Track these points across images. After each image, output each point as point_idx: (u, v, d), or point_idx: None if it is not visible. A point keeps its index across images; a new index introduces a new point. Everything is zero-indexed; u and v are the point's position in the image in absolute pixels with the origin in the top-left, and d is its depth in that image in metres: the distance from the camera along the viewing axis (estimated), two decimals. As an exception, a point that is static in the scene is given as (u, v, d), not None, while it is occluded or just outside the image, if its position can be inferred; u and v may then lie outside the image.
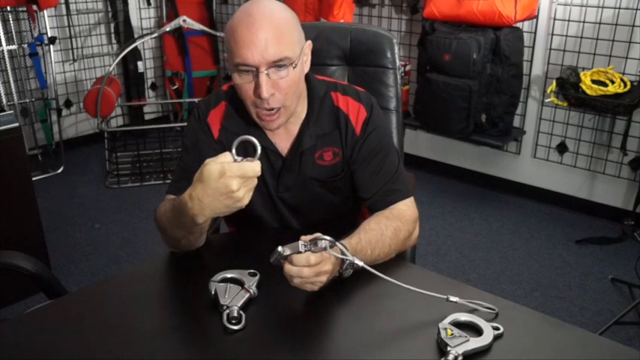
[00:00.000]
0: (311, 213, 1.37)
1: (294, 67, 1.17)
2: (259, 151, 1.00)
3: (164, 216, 1.20)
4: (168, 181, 3.82)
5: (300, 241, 1.03)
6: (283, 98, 1.18)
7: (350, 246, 1.09)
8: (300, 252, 1.02)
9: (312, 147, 1.30)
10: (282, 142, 1.31)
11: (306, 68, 1.25)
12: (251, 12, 1.14)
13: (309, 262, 1.02)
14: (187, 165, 1.30)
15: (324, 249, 1.02)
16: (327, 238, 1.02)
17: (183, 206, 1.06)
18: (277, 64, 1.14)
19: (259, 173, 0.99)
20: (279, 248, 1.03)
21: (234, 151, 0.99)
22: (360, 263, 1.03)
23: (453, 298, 1.01)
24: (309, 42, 1.24)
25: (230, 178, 0.97)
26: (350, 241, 1.12)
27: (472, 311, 1.02)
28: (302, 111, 1.29)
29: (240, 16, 1.15)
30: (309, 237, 1.04)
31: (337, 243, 1.03)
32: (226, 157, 0.99)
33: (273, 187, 1.34)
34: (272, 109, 1.19)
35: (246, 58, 1.13)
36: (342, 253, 1.04)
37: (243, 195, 0.99)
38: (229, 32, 1.16)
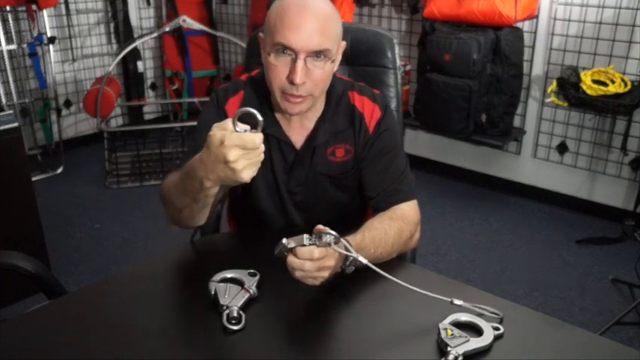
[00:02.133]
0: (318, 210, 1.37)
1: (331, 62, 1.20)
2: (261, 122, 0.98)
3: (172, 184, 1.20)
4: (168, 181, 3.72)
5: (304, 235, 1.02)
6: (312, 88, 1.20)
7: (354, 243, 1.09)
8: (304, 245, 1.01)
9: (325, 142, 1.32)
10: (296, 136, 1.32)
11: (336, 67, 1.26)
12: None
13: (312, 256, 1.01)
14: (199, 145, 1.30)
15: (329, 244, 1.01)
16: (332, 232, 1.01)
17: (192, 168, 1.07)
18: (316, 55, 1.16)
19: (259, 146, 0.98)
20: (284, 240, 1.02)
21: (236, 122, 0.98)
22: (364, 261, 1.03)
23: (457, 301, 1.00)
24: (344, 43, 1.26)
25: (228, 148, 0.96)
26: (354, 238, 1.11)
27: (479, 315, 1.01)
28: (320, 106, 1.31)
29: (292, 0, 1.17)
30: (317, 228, 1.03)
31: (342, 239, 1.03)
32: (229, 125, 0.98)
33: (284, 182, 1.34)
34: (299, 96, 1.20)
35: (290, 41, 1.14)
36: (346, 250, 1.03)
37: (243, 167, 0.98)
38: (276, 11, 1.17)
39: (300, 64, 1.15)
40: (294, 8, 1.15)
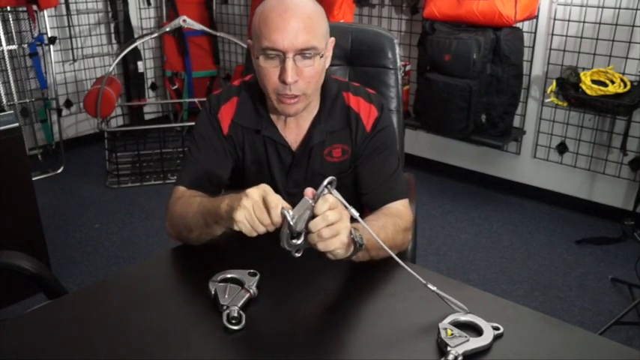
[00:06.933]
0: None
1: (320, 57, 1.21)
2: (300, 243, 1.02)
3: (189, 207, 1.21)
4: (169, 181, 3.77)
5: (303, 199, 1.00)
6: (305, 87, 1.21)
7: (356, 229, 1.07)
8: (313, 205, 0.99)
9: (322, 143, 1.32)
10: (292, 137, 1.33)
11: (327, 64, 1.27)
12: (284, 0, 1.18)
13: (329, 202, 0.99)
14: (196, 159, 1.33)
15: (329, 192, 1.00)
16: (325, 180, 0.99)
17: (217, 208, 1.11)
18: (304, 53, 1.18)
19: (271, 219, 1.01)
20: (287, 216, 0.99)
21: (292, 213, 1.00)
22: (356, 214, 1.02)
23: (431, 286, 0.99)
24: (333, 39, 1.27)
25: (259, 190, 1.01)
26: (356, 227, 1.10)
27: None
28: (314, 107, 1.32)
29: (273, 3, 1.19)
30: (308, 189, 1.01)
31: (333, 190, 1.00)
32: (279, 200, 1.02)
33: (282, 184, 1.35)
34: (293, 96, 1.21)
35: (276, 43, 1.16)
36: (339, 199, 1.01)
37: (245, 211, 1.01)
38: (260, 17, 1.19)
39: (289, 63, 1.17)
40: (277, 10, 1.17)
